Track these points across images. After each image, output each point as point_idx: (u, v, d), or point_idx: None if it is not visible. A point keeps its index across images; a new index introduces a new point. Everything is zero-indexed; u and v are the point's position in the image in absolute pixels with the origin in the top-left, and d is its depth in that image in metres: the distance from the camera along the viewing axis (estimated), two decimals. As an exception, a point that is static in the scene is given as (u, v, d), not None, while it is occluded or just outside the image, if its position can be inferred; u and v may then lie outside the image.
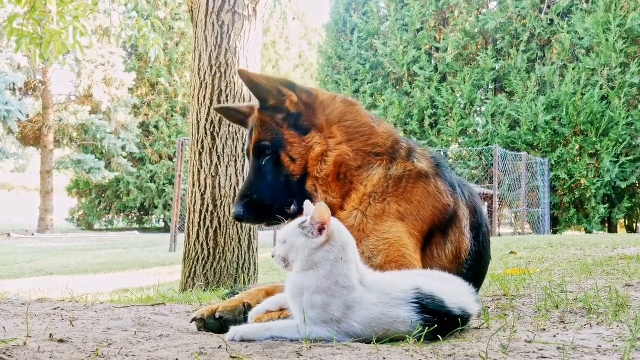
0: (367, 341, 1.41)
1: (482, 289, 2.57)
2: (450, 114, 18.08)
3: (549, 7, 17.02)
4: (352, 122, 2.05)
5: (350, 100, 2.12)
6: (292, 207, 2.02)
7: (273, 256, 1.51)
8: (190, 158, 4.23)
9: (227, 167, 4.10)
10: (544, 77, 16.56)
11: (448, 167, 2.14)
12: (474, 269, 2.08)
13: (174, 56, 27.14)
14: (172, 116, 27.36)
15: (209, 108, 4.11)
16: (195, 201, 4.12)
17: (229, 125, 4.11)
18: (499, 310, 1.96)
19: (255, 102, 2.17)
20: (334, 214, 1.91)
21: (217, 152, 4.10)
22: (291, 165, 2.01)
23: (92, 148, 25.53)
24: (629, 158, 15.20)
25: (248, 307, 1.71)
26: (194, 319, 1.70)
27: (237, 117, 2.31)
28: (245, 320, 1.66)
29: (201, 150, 4.12)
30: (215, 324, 1.67)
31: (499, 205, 14.82)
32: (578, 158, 15.83)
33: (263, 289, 1.88)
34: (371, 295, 1.44)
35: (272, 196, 2.01)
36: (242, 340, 1.45)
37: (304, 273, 1.45)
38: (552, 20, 16.96)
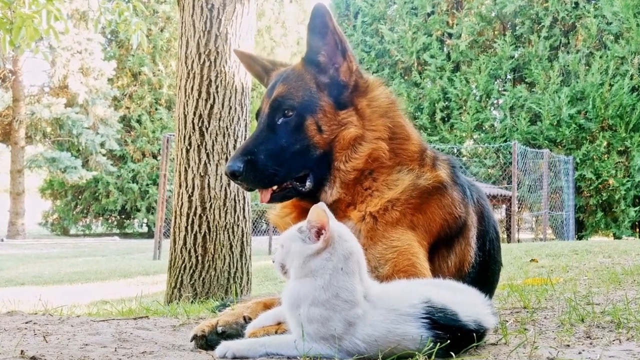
0: (372, 358, 1.41)
1: (499, 301, 2.57)
2: (464, 107, 18.09)
3: (573, -12, 17.03)
4: (392, 120, 2.04)
5: (393, 97, 2.10)
6: (308, 182, 1.97)
7: (273, 261, 1.54)
8: (177, 156, 4.22)
9: (217, 165, 4.10)
10: (568, 66, 16.56)
11: (459, 167, 2.18)
12: (478, 281, 2.09)
13: (159, 43, 27.14)
14: (156, 109, 27.37)
15: (197, 100, 4.11)
16: (182, 203, 4.12)
17: (219, 120, 4.11)
18: (519, 324, 1.97)
19: (278, 60, 2.22)
20: (339, 212, 1.92)
21: (206, 149, 4.10)
22: (316, 135, 1.96)
23: (67, 145, 25.54)
24: (662, 156, 15.22)
25: (249, 321, 1.72)
26: (195, 337, 1.69)
27: (255, 68, 2.29)
28: None
29: (188, 147, 4.12)
30: (218, 340, 1.65)
31: (519, 208, 14.83)
32: (606, 156, 15.83)
33: (261, 302, 1.89)
34: (376, 311, 1.45)
35: (280, 161, 1.93)
36: (234, 357, 1.46)
37: (300, 281, 1.46)
38: (577, 3, 16.97)
